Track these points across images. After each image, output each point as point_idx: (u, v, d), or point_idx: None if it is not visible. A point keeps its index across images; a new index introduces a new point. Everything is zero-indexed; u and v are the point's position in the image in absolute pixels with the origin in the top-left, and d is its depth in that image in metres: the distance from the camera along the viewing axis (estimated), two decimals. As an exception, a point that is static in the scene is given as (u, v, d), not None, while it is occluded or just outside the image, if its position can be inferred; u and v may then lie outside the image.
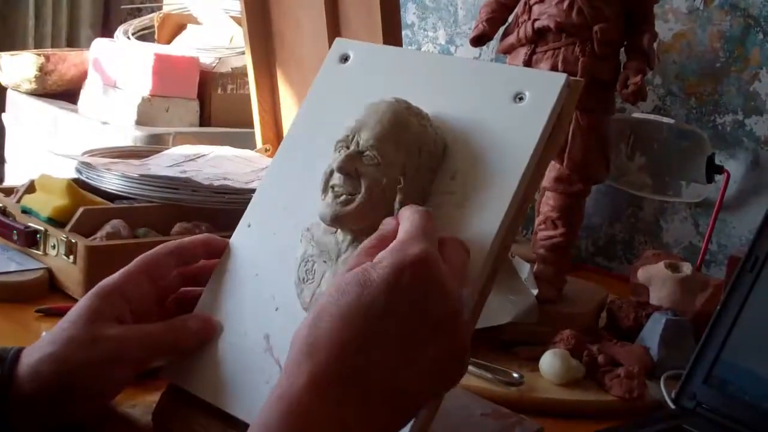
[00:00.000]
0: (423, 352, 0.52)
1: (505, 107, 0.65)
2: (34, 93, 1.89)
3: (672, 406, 0.80)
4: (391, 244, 0.55)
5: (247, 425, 0.62)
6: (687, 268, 1.05)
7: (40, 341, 0.64)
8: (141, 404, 0.72)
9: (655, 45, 0.98)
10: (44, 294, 0.97)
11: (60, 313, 0.91)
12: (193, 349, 0.67)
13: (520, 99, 0.65)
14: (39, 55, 1.88)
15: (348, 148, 0.63)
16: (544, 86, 0.64)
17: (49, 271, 0.99)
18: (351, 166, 0.63)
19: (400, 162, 0.63)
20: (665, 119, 1.28)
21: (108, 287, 0.67)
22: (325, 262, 0.65)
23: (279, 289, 0.66)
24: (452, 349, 0.53)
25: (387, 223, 0.60)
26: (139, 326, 0.66)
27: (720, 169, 1.21)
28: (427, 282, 0.53)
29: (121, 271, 0.68)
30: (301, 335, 0.52)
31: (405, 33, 1.65)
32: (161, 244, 0.71)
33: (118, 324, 0.65)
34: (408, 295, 0.52)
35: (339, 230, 0.65)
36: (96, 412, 0.67)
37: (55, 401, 0.62)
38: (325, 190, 0.64)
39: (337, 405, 0.50)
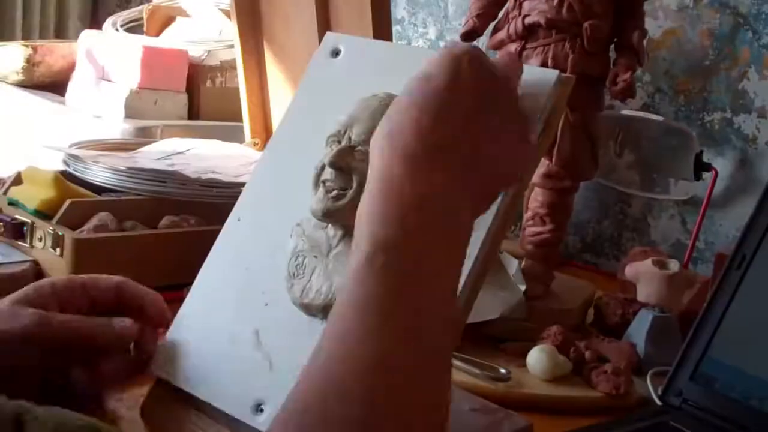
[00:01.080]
0: (496, 126, 0.56)
1: None
2: (21, 85, 1.87)
3: (658, 402, 0.80)
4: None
5: (236, 420, 0.62)
6: (674, 265, 1.06)
7: None
8: (128, 398, 0.72)
9: (644, 42, 0.98)
10: (31, 286, 0.96)
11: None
12: (111, 349, 0.66)
13: None
14: (27, 46, 1.87)
15: (340, 143, 0.63)
16: (536, 83, 0.64)
17: (35, 263, 0.98)
18: (343, 161, 0.62)
19: None
20: (654, 117, 1.28)
21: (43, 281, 0.67)
22: (315, 257, 0.65)
23: (269, 284, 0.66)
24: (520, 128, 0.58)
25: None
26: (59, 314, 0.65)
27: (708, 167, 1.21)
28: (482, 67, 0.56)
29: (64, 277, 0.69)
30: (379, 135, 0.55)
31: (395, 28, 1.64)
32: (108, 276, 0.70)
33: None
34: (470, 75, 0.55)
35: (330, 225, 0.65)
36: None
37: None
38: (316, 185, 0.64)
39: (428, 171, 0.52)
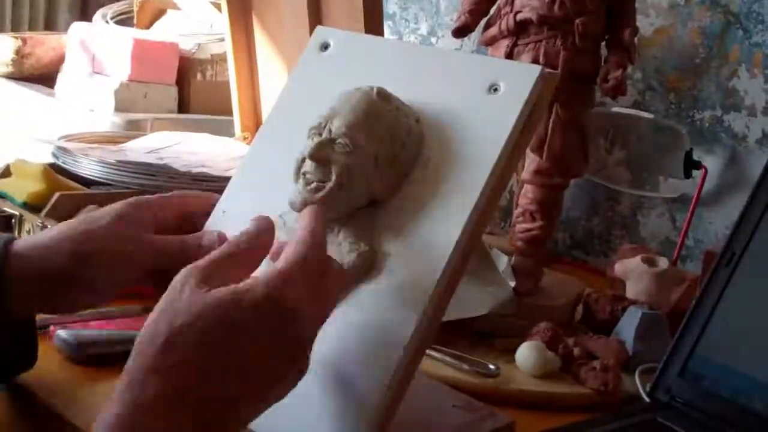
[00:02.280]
0: (265, 379, 0.53)
1: (479, 98, 0.65)
2: (10, 77, 1.87)
3: (646, 399, 0.80)
4: (270, 275, 0.54)
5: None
6: (663, 263, 1.06)
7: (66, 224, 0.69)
8: (114, 390, 0.71)
9: (636, 39, 0.98)
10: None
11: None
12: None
13: (495, 90, 0.65)
14: (16, 38, 1.86)
15: (320, 135, 0.63)
16: (519, 78, 0.64)
17: (23, 256, 0.98)
18: (322, 154, 0.63)
19: (372, 150, 0.63)
20: (644, 114, 1.28)
21: (141, 199, 0.71)
22: None
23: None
24: (291, 368, 0.54)
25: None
26: (156, 236, 0.69)
27: (698, 165, 1.21)
28: (281, 329, 0.53)
29: (159, 195, 0.72)
30: (149, 351, 0.51)
31: (387, 23, 1.64)
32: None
33: (143, 231, 0.68)
34: (265, 336, 0.52)
35: None
36: (93, 303, 0.72)
37: (64, 281, 0.66)
38: (296, 177, 0.64)
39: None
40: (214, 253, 0.56)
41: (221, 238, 0.67)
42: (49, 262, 0.65)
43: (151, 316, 0.53)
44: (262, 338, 0.52)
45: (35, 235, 0.70)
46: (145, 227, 0.68)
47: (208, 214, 0.72)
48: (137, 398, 0.50)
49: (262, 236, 0.59)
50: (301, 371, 0.55)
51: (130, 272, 0.68)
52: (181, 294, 0.53)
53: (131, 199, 0.70)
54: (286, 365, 0.54)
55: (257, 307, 0.52)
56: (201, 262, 0.55)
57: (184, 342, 0.51)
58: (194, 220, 0.72)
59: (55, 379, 0.75)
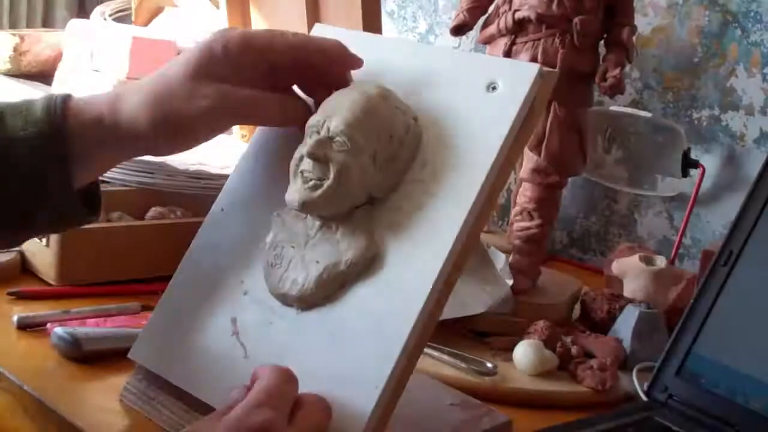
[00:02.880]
0: None
1: (478, 96, 0.65)
2: (8, 73, 1.86)
3: (644, 398, 0.81)
4: (233, 411, 0.53)
5: (211, 408, 0.62)
6: (661, 262, 1.06)
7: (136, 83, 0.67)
8: (111, 388, 0.72)
9: (634, 38, 0.98)
10: (16, 276, 0.96)
11: (32, 296, 0.91)
12: (278, 123, 0.69)
13: (493, 88, 0.65)
14: (13, 35, 1.85)
15: (319, 133, 0.63)
16: (517, 76, 0.64)
17: (21, 254, 0.98)
18: (321, 152, 0.62)
19: (371, 149, 0.63)
20: (642, 113, 1.28)
21: (215, 47, 0.65)
22: (293, 247, 0.65)
23: (248, 273, 0.66)
24: None
25: (236, 390, 0.58)
26: (237, 90, 0.65)
27: (695, 164, 1.21)
28: None
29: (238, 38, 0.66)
30: None
31: (384, 21, 1.64)
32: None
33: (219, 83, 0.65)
34: None
35: (308, 216, 0.65)
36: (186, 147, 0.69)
37: (156, 137, 0.65)
38: (295, 176, 0.64)
39: None
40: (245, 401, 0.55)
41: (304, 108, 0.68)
42: (128, 131, 0.65)
43: None
44: None
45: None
46: (219, 78, 0.65)
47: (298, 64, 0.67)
48: None
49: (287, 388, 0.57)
50: None
51: (213, 127, 0.66)
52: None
53: (205, 44, 0.66)
54: None
55: None
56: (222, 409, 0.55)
57: None
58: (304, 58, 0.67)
59: (53, 377, 0.75)
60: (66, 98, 0.66)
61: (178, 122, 0.64)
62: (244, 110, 0.66)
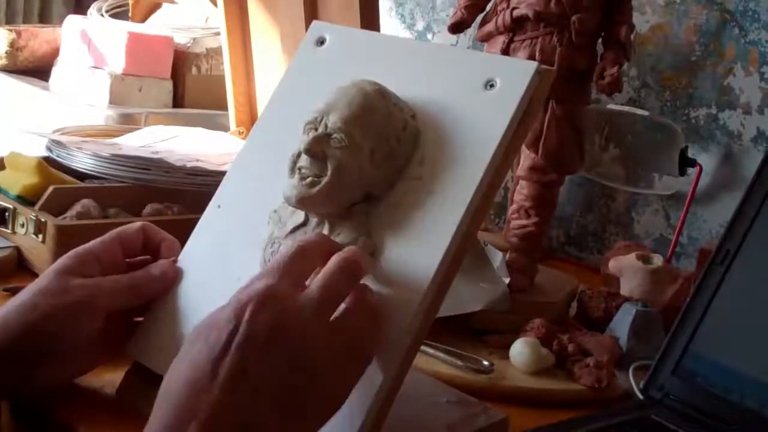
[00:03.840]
0: (292, 396, 0.52)
1: (475, 94, 0.65)
2: (4, 69, 1.86)
3: (640, 396, 0.81)
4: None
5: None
6: (658, 260, 1.06)
7: (10, 300, 0.66)
8: (108, 385, 0.71)
9: (632, 37, 0.98)
10: (12, 272, 0.96)
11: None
12: (159, 294, 0.69)
13: (491, 86, 0.65)
14: (10, 30, 1.85)
15: (316, 130, 0.63)
16: (515, 74, 0.64)
17: (17, 249, 0.98)
18: (318, 148, 0.62)
19: (368, 146, 0.63)
20: (639, 111, 1.28)
21: (81, 250, 0.69)
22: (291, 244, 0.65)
23: (245, 270, 0.66)
24: (341, 369, 0.55)
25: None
26: (105, 277, 0.68)
27: (692, 163, 1.21)
28: (273, 324, 0.53)
29: (96, 239, 0.71)
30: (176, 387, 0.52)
31: (382, 18, 1.64)
32: (130, 223, 0.74)
33: (87, 277, 0.67)
34: (261, 347, 0.52)
35: (305, 213, 0.65)
36: (66, 376, 0.69)
37: (24, 356, 0.63)
38: (292, 172, 0.64)
39: None
40: (286, 257, 0.57)
41: (171, 267, 0.69)
42: (23, 326, 0.63)
43: (210, 315, 0.56)
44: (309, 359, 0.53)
45: None
46: (89, 275, 0.67)
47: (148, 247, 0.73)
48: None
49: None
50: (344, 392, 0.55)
51: (88, 323, 0.66)
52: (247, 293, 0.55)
53: (71, 252, 0.69)
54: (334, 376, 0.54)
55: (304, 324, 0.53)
56: (271, 267, 0.57)
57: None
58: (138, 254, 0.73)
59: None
60: None
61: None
62: (112, 297, 0.68)
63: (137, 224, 0.73)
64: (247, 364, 0.51)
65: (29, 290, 0.66)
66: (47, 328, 0.64)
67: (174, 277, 0.69)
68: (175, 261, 0.70)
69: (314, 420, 0.54)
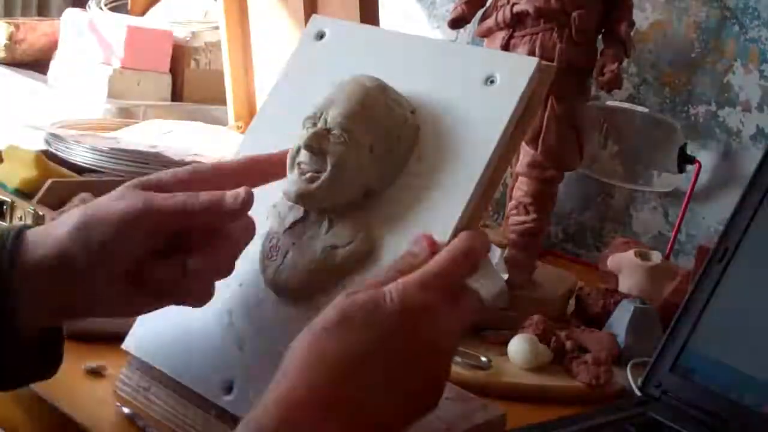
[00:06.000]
0: (408, 396, 0.53)
1: (476, 89, 0.65)
2: (3, 62, 1.86)
3: (638, 393, 0.81)
4: (412, 278, 0.54)
5: (204, 399, 0.62)
6: (656, 257, 1.06)
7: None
8: (105, 379, 0.71)
9: (631, 33, 0.98)
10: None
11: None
12: (221, 223, 0.62)
13: (491, 82, 0.64)
14: (9, 23, 1.85)
15: (316, 125, 0.63)
16: (516, 70, 0.64)
17: (14, 243, 0.97)
18: (317, 144, 0.62)
19: (368, 141, 0.63)
20: (639, 108, 1.28)
21: (149, 177, 0.64)
22: (289, 239, 0.65)
23: (244, 264, 0.66)
24: (434, 386, 0.55)
25: (419, 247, 0.58)
26: (162, 193, 0.61)
27: (691, 160, 1.21)
28: (425, 335, 0.53)
29: (168, 170, 0.65)
30: (302, 352, 0.52)
31: (382, 13, 1.63)
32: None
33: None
34: (407, 343, 0.53)
35: (305, 208, 0.65)
36: (102, 302, 0.62)
37: (73, 259, 0.59)
38: (291, 168, 0.64)
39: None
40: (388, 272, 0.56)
41: (246, 195, 0.61)
42: (54, 250, 0.59)
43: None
44: (398, 345, 0.53)
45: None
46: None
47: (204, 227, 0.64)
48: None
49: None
50: (438, 391, 0.56)
51: (137, 235, 0.60)
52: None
53: (134, 180, 0.63)
54: (423, 376, 0.54)
55: (391, 315, 0.53)
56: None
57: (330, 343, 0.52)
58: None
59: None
60: (19, 233, 0.61)
61: (95, 224, 0.60)
62: (166, 210, 0.60)
63: (235, 163, 0.66)
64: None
65: (81, 209, 0.61)
66: (98, 230, 0.59)
67: (246, 204, 0.61)
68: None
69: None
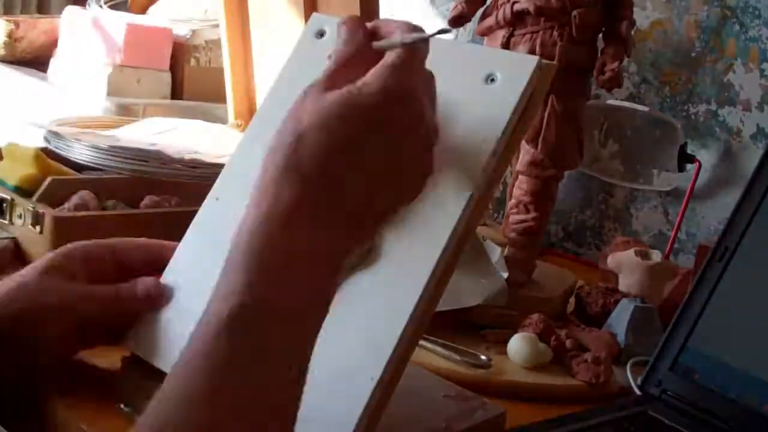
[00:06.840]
0: (396, 178, 0.56)
1: (476, 88, 0.64)
2: (2, 60, 1.85)
3: (638, 392, 0.81)
4: (378, 69, 0.56)
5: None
6: (656, 256, 1.06)
7: None
8: (104, 377, 0.71)
9: (632, 32, 0.98)
10: (9, 263, 0.95)
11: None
12: (138, 312, 0.67)
13: (492, 80, 0.64)
14: (9, 21, 1.85)
15: None
16: (516, 68, 0.64)
17: (14, 240, 0.97)
18: None
19: None
20: (639, 107, 1.28)
21: (71, 249, 0.68)
22: None
23: None
24: (420, 172, 0.58)
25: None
26: (86, 285, 0.67)
27: (691, 159, 1.21)
28: (405, 116, 0.56)
29: (90, 241, 0.69)
30: (278, 157, 0.54)
31: (382, 12, 1.63)
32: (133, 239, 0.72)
33: (70, 280, 0.66)
34: (390, 127, 0.55)
35: None
36: (48, 362, 0.67)
37: (6, 340, 0.62)
38: None
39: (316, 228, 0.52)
40: (329, 65, 0.57)
41: (155, 287, 0.67)
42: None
43: (275, 132, 0.55)
44: (384, 125, 0.55)
45: None
46: (73, 277, 0.66)
47: (149, 265, 0.70)
48: (273, 206, 0.52)
49: (356, 34, 0.59)
50: (426, 171, 0.58)
51: (63, 326, 0.65)
52: (303, 103, 0.55)
53: (62, 248, 0.68)
54: (413, 152, 0.56)
55: (374, 96, 0.54)
56: (319, 76, 0.57)
57: (311, 140, 0.53)
58: (134, 270, 0.69)
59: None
60: None
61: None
62: (89, 305, 0.66)
63: (139, 240, 0.72)
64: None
65: (11, 282, 0.65)
66: (24, 319, 0.63)
67: (157, 298, 0.67)
68: (158, 283, 0.68)
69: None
